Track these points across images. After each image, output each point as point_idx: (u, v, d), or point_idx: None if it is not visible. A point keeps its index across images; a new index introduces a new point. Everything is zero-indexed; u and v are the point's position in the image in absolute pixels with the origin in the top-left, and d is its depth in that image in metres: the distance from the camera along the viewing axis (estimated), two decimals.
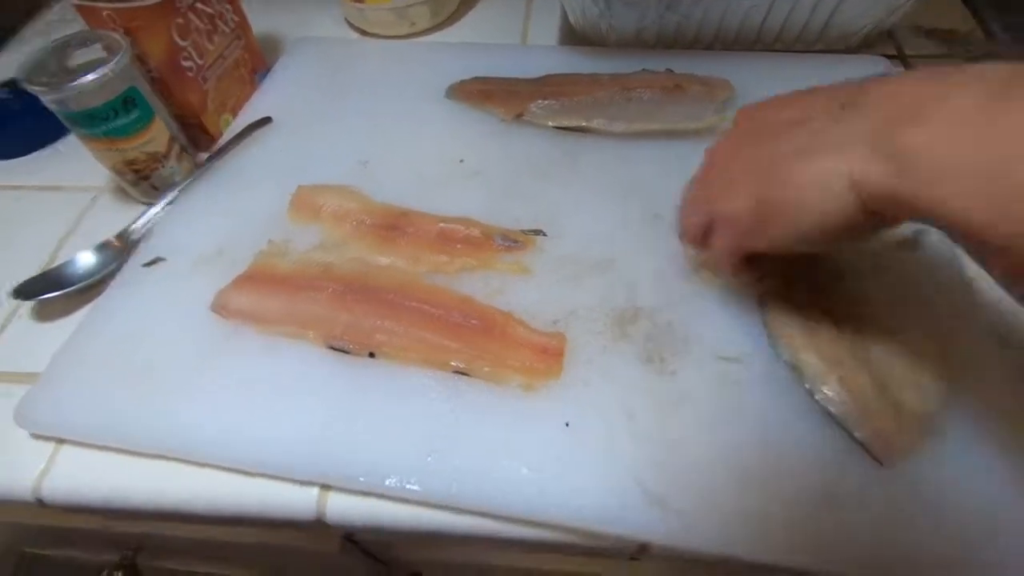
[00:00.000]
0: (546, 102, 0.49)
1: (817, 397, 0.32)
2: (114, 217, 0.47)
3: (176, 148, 0.47)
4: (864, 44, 0.53)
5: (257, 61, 0.55)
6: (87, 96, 0.40)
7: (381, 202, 0.44)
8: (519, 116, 0.49)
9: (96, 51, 0.42)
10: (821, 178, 0.25)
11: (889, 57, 0.51)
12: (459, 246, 0.41)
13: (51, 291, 0.41)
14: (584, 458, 0.32)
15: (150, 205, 0.46)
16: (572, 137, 0.48)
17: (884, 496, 0.30)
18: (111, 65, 0.40)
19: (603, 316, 0.37)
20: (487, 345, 0.36)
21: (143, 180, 0.46)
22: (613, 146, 0.47)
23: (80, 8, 0.42)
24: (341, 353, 0.37)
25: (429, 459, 0.32)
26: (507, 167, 0.46)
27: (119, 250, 0.44)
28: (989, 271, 0.23)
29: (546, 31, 0.60)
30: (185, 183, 0.47)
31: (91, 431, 0.35)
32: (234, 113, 0.53)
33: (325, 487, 0.33)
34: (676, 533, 0.30)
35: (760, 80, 0.48)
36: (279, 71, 0.56)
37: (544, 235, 0.41)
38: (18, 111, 0.53)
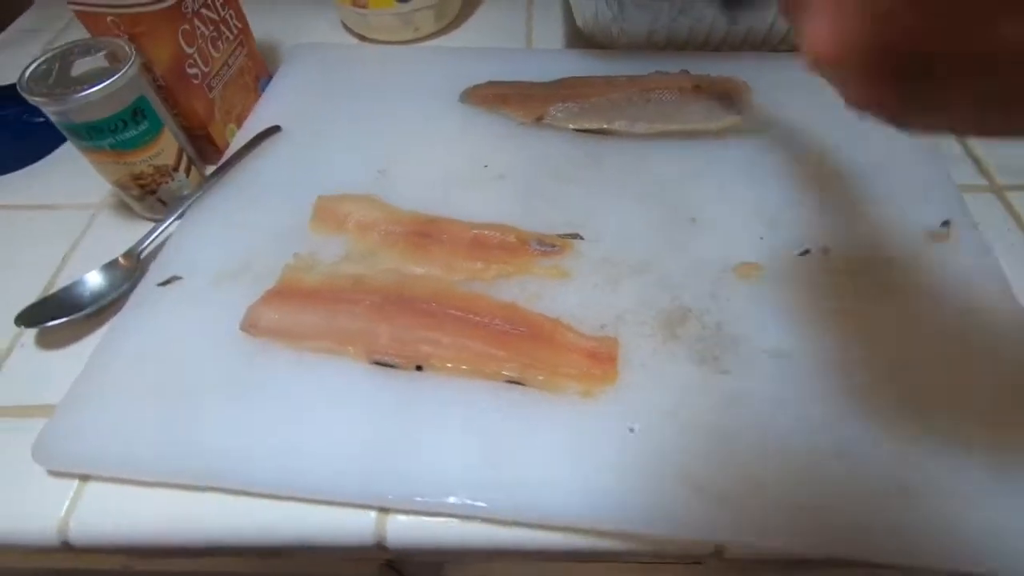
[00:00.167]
0: (565, 105, 0.48)
1: None
2: (116, 235, 0.45)
3: (185, 160, 0.44)
4: None
5: (259, 68, 0.53)
6: (94, 107, 0.38)
7: (406, 210, 0.43)
8: (539, 119, 0.48)
9: (99, 60, 0.39)
10: None
11: None
12: (494, 252, 0.40)
13: (59, 316, 0.38)
14: (653, 463, 0.31)
15: (157, 221, 0.44)
16: (592, 139, 0.48)
17: (948, 487, 0.30)
18: (120, 74, 0.37)
19: (650, 319, 0.37)
20: (538, 353, 0.35)
21: (150, 195, 0.43)
22: (634, 147, 0.47)
23: (82, 15, 0.40)
24: (385, 367, 0.35)
25: (491, 473, 0.31)
26: (532, 170, 0.46)
27: (128, 270, 0.41)
28: None
29: (549, 34, 0.60)
30: (195, 197, 0.44)
31: (119, 464, 0.33)
32: (239, 123, 0.51)
33: (383, 510, 0.32)
34: (750, 534, 0.29)
35: (770, 80, 0.50)
36: (281, 79, 0.55)
37: (582, 239, 0.41)
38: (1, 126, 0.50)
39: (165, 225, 0.43)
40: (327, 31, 0.62)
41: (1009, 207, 0.43)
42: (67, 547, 0.32)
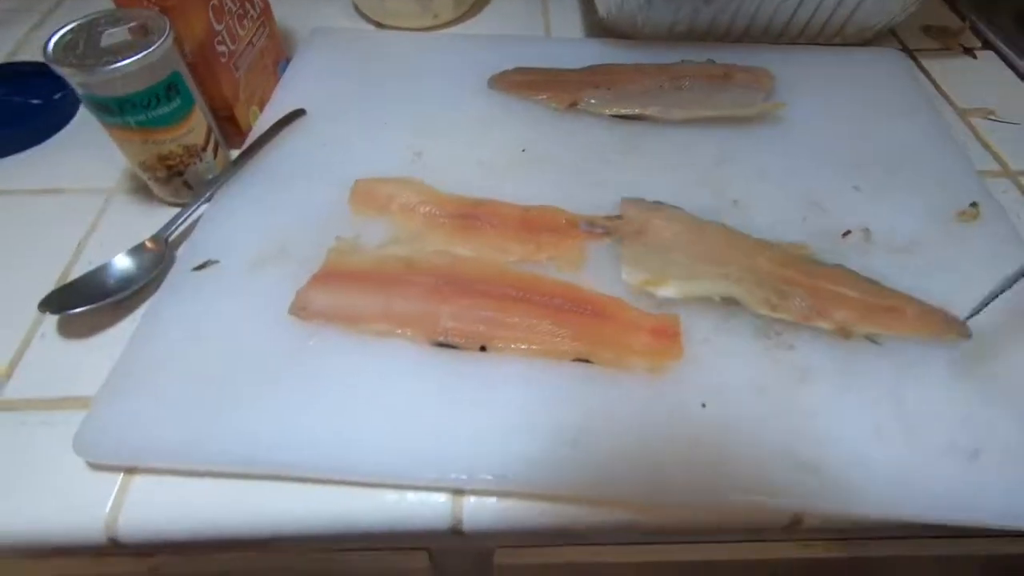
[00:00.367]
0: (598, 91, 0.49)
1: None
2: (135, 220, 0.42)
3: (213, 141, 0.42)
4: (875, 39, 0.56)
5: (279, 51, 0.51)
6: (127, 80, 0.35)
7: (448, 193, 0.42)
8: (572, 105, 0.48)
9: (123, 33, 0.37)
10: None
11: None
12: (544, 234, 0.39)
13: (86, 303, 0.36)
14: (729, 436, 0.31)
15: (181, 205, 0.42)
16: (626, 125, 0.48)
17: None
18: (156, 46, 0.35)
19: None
20: (604, 330, 0.34)
21: (176, 176, 0.41)
22: (668, 133, 0.47)
23: None
24: (446, 349, 0.34)
25: (568, 451, 0.31)
26: (570, 155, 0.45)
27: (157, 254, 0.39)
28: None
29: (567, 23, 0.60)
30: (224, 179, 0.42)
31: (170, 454, 0.31)
32: (261, 106, 0.49)
33: (457, 492, 0.31)
34: (835, 500, 0.30)
35: (792, 71, 0.51)
36: (300, 62, 0.53)
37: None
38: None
39: (195, 207, 0.41)
40: (340, 17, 0.61)
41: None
42: (115, 544, 0.30)
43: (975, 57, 0.57)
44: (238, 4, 0.44)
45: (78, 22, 0.37)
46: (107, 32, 0.36)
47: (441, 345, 0.34)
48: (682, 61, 0.51)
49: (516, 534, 0.31)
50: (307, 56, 0.53)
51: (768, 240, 0.39)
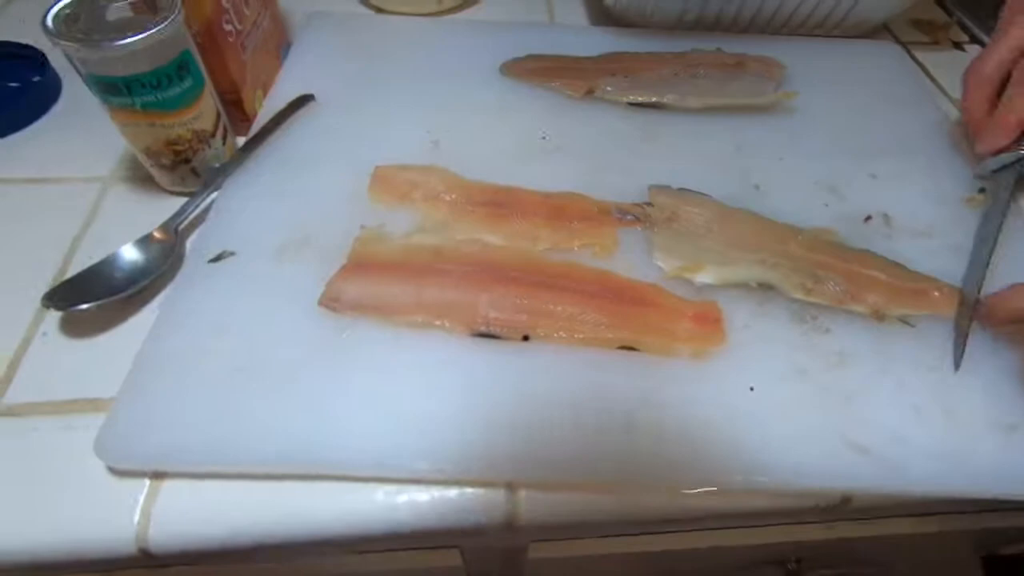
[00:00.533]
0: (614, 78, 0.48)
1: None
2: (135, 211, 0.40)
3: (222, 127, 0.40)
4: (871, 32, 0.58)
5: (281, 34, 0.49)
6: (136, 58, 0.33)
7: (473, 180, 0.41)
8: (588, 93, 0.48)
9: (126, 8, 0.35)
10: None
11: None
12: (575, 222, 0.39)
13: (96, 297, 0.33)
14: (778, 419, 0.31)
15: (186, 195, 0.39)
16: (644, 113, 0.47)
17: None
18: (168, 21, 0.33)
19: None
20: (648, 318, 0.34)
21: (183, 164, 0.39)
22: (685, 121, 0.47)
23: None
24: (487, 339, 0.33)
25: (624, 437, 0.30)
26: (590, 143, 0.45)
27: (167, 245, 0.37)
28: None
29: (570, 9, 0.59)
30: (234, 166, 0.40)
31: (200, 456, 0.29)
32: (265, 90, 0.46)
33: (510, 486, 0.30)
34: (886, 478, 0.30)
35: (794, 60, 0.52)
36: (302, 47, 0.51)
37: (652, 207, 0.40)
38: None
39: (205, 196, 0.39)
40: (338, 1, 0.58)
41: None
42: (146, 556, 0.28)
43: (964, 51, 0.59)
44: None
45: None
46: (113, 6, 0.34)
47: (482, 335, 0.33)
48: (692, 50, 0.52)
49: (572, 527, 0.30)
50: (309, 41, 0.51)
51: (795, 225, 0.40)
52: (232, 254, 0.36)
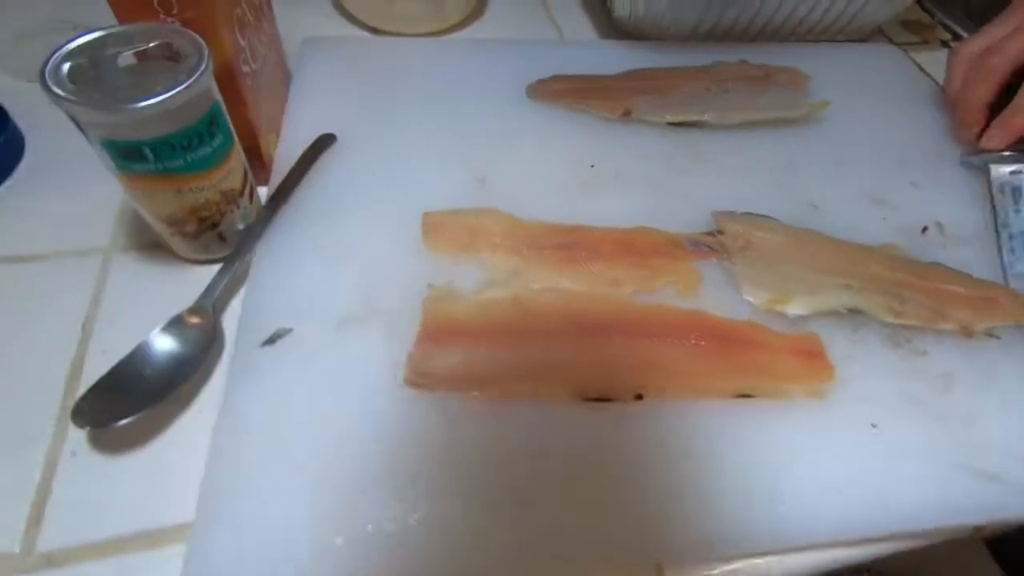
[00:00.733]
0: (648, 97, 0.46)
1: None
2: (149, 285, 0.34)
3: (248, 183, 0.35)
4: (869, 34, 0.59)
5: (283, 67, 0.44)
6: (165, 118, 0.28)
7: (533, 221, 0.38)
8: (626, 114, 0.45)
9: (128, 57, 0.29)
10: None
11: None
12: (653, 259, 0.37)
13: (136, 406, 0.28)
14: (905, 456, 0.30)
15: (212, 263, 0.34)
16: (681, 132, 0.46)
17: None
18: (199, 74, 0.28)
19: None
20: (757, 360, 0.32)
21: (209, 230, 0.33)
22: (724, 138, 0.46)
23: None
24: (598, 403, 0.30)
25: (774, 505, 0.28)
26: (640, 168, 0.43)
27: (205, 328, 0.31)
28: None
29: (575, 22, 0.57)
30: (263, 226, 0.35)
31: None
32: (276, 133, 0.41)
33: (658, 567, 0.27)
34: (1018, 506, 0.30)
35: (810, 67, 0.51)
36: (305, 79, 0.45)
37: (722, 234, 0.39)
38: None
39: (235, 264, 0.33)
40: (325, 24, 0.53)
41: None
42: None
43: (951, 48, 0.61)
44: (253, 12, 0.36)
45: (78, 42, 0.28)
46: (124, 53, 0.28)
47: (592, 400, 0.30)
48: (716, 63, 0.50)
49: None
50: (310, 71, 0.46)
51: (862, 244, 0.39)
52: (289, 331, 0.31)
